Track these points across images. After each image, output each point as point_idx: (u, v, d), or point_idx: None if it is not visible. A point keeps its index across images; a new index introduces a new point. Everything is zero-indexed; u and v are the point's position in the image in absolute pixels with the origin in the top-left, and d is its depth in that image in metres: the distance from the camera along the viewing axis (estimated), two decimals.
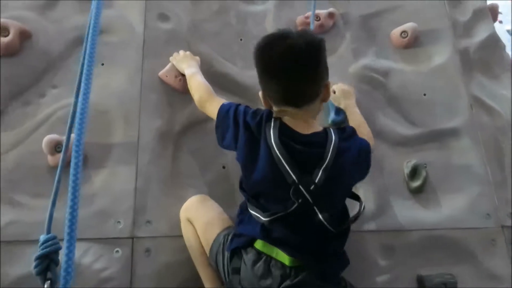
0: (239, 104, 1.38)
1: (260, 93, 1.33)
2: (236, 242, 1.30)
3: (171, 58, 1.75)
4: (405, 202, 1.72)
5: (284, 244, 1.24)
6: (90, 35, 1.36)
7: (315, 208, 1.22)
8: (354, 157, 1.29)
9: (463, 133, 1.86)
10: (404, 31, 1.99)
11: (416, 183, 1.73)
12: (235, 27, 1.94)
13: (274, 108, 1.31)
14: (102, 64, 1.77)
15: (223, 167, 1.66)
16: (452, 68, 2.00)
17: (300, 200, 1.21)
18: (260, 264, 1.24)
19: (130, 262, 1.48)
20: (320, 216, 1.22)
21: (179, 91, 1.74)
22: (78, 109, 1.31)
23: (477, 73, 2.02)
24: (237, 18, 1.96)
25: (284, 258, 1.23)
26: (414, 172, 1.74)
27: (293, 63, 1.20)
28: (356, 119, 1.64)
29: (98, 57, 1.72)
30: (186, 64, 1.69)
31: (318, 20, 1.94)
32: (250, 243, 1.27)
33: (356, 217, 1.33)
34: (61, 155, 1.43)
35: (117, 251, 1.49)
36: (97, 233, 1.50)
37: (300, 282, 1.21)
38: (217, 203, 1.53)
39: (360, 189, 1.70)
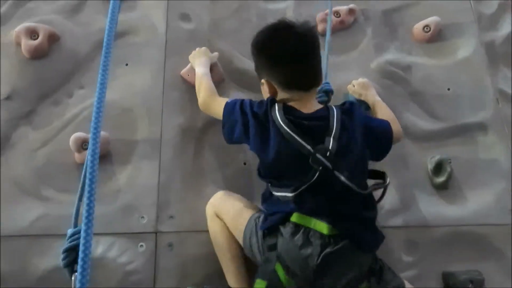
0: (243, 99, 1.43)
1: (263, 81, 1.39)
2: (270, 220, 1.32)
3: (190, 57, 1.78)
4: (430, 198, 1.70)
5: (319, 213, 1.26)
6: (107, 28, 1.39)
7: (336, 172, 1.26)
8: (360, 128, 1.35)
9: (489, 128, 1.82)
10: (426, 25, 1.96)
11: (440, 179, 1.70)
12: (255, 24, 1.95)
13: (279, 95, 1.37)
14: (126, 64, 1.82)
15: (244, 163, 1.68)
16: (477, 61, 1.96)
17: (320, 168, 1.26)
18: (299, 235, 1.25)
19: (154, 256, 1.51)
20: (342, 178, 1.26)
21: None
22: (95, 104, 1.34)
23: (503, 67, 1.97)
24: (257, 15, 1.98)
25: (322, 227, 1.25)
26: (439, 168, 1.71)
27: (304, 47, 1.33)
28: (384, 114, 1.62)
29: (122, 58, 1.80)
30: (198, 60, 1.72)
31: (338, 17, 1.94)
32: (285, 219, 1.29)
33: (382, 187, 1.36)
34: (87, 152, 1.48)
35: (141, 245, 1.52)
36: (122, 228, 1.54)
37: (340, 249, 1.23)
38: None
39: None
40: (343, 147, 1.28)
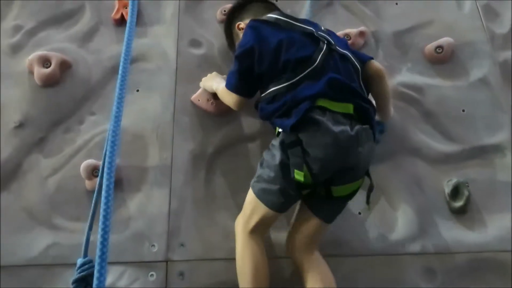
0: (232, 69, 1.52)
1: (237, 24, 1.67)
2: (296, 113, 1.32)
3: (200, 83, 1.78)
4: (447, 223, 1.64)
5: (337, 96, 1.34)
6: (122, 59, 1.42)
7: (337, 47, 1.44)
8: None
9: (507, 149, 1.77)
10: (439, 46, 1.94)
11: (458, 203, 1.65)
12: None
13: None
14: (137, 91, 1.82)
15: None
16: (492, 81, 1.92)
17: (325, 42, 1.42)
18: (327, 116, 1.30)
19: (164, 286, 1.48)
20: (342, 51, 1.44)
21: (211, 114, 1.77)
22: (110, 132, 1.34)
23: None
24: None
25: (348, 107, 1.34)
26: (456, 192, 1.66)
27: None
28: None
29: (133, 84, 1.81)
30: (214, 81, 1.72)
31: (349, 39, 1.93)
32: (311, 105, 1.32)
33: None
34: (97, 180, 1.48)
35: (151, 275, 1.49)
36: (132, 257, 1.52)
37: (360, 130, 1.32)
38: None
39: (399, 209, 1.65)
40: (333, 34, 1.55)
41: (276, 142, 1.39)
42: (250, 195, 1.42)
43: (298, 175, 1.29)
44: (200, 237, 1.56)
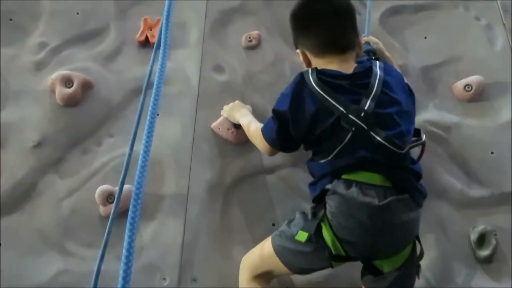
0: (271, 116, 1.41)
1: (298, 51, 1.43)
2: (320, 184, 1.28)
3: (222, 112, 1.74)
4: (472, 272, 1.56)
5: (366, 167, 1.24)
6: (154, 89, 1.40)
7: (371, 133, 1.23)
8: (399, 83, 1.37)
9: None
10: (468, 85, 1.88)
11: (484, 252, 1.57)
12: (289, 78, 1.90)
13: (314, 62, 1.39)
14: (158, 114, 1.79)
15: (273, 224, 1.60)
16: None
17: (353, 128, 1.23)
18: (352, 188, 1.21)
19: None
20: (378, 138, 1.23)
21: (231, 143, 1.73)
22: (139, 163, 1.31)
23: None
24: (291, 69, 1.94)
25: (374, 177, 1.23)
26: (482, 239, 1.59)
27: (336, 10, 1.36)
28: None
29: None
30: (239, 113, 1.68)
31: None
32: (334, 178, 1.25)
33: (419, 144, 1.35)
34: (112, 207, 1.44)
35: None
36: None
37: (399, 200, 1.21)
38: None
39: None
40: (381, 106, 1.25)
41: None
42: (268, 247, 1.34)
43: (300, 236, 1.22)
44: (213, 272, 1.51)
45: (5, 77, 1.86)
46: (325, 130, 1.26)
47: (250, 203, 1.65)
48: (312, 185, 1.35)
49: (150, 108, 1.38)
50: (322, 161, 1.29)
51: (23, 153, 1.70)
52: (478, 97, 1.89)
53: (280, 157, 1.71)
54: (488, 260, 1.57)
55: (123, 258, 1.16)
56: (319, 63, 1.37)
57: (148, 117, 1.38)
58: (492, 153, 1.78)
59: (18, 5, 2.04)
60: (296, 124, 1.31)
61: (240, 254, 1.53)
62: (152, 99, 1.42)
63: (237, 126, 1.71)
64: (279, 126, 1.35)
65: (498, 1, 2.16)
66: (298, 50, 1.43)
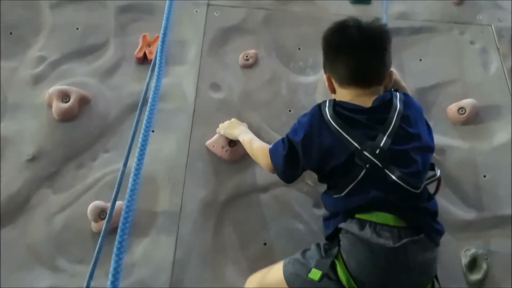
0: (282, 139, 1.38)
1: (325, 76, 1.40)
2: (334, 222, 1.26)
3: (217, 130, 1.75)
4: None
5: (379, 206, 1.20)
6: (148, 107, 1.41)
7: (386, 171, 1.20)
8: (419, 116, 1.33)
9: None
10: (462, 107, 1.90)
11: (475, 276, 1.57)
12: (285, 97, 1.94)
13: (338, 93, 1.36)
14: (153, 131, 1.80)
15: (264, 244, 1.60)
16: None
17: (368, 166, 1.20)
18: (366, 229, 1.18)
19: None
20: (393, 177, 1.19)
21: (226, 161, 1.74)
22: (131, 181, 1.31)
23: None
24: (287, 88, 1.96)
25: (387, 218, 1.19)
26: (474, 263, 1.59)
27: (367, 39, 1.30)
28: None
29: None
30: (238, 130, 1.67)
31: None
32: (347, 217, 1.23)
33: (434, 180, 1.32)
34: (104, 224, 1.44)
35: None
36: None
37: (409, 242, 1.16)
38: None
39: None
40: (399, 143, 1.22)
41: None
42: (278, 274, 1.31)
43: (313, 275, 1.18)
44: None
45: (3, 90, 1.87)
46: (339, 166, 1.24)
47: (243, 222, 1.65)
48: (325, 220, 1.33)
49: (143, 127, 1.38)
50: (335, 196, 1.27)
51: (18, 167, 1.70)
52: (472, 120, 1.91)
53: (275, 175, 1.71)
54: (480, 284, 1.57)
55: (110, 276, 1.16)
56: (342, 93, 1.34)
57: (141, 135, 1.39)
58: (484, 176, 1.79)
59: (19, 19, 2.06)
60: (308, 156, 1.29)
61: (232, 273, 1.53)
62: (145, 118, 1.42)
63: (232, 144, 1.72)
64: (288, 152, 1.33)
65: (492, 25, 2.20)
66: (324, 76, 1.40)
